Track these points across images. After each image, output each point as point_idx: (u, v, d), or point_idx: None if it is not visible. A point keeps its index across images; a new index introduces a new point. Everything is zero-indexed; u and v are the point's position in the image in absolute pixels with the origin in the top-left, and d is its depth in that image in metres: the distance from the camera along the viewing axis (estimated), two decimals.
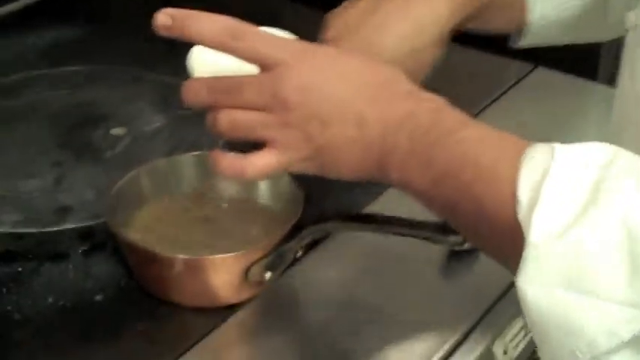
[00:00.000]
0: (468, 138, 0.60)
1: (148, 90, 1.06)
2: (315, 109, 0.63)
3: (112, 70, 1.10)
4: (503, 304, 0.75)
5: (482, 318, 0.75)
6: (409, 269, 0.79)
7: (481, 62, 1.11)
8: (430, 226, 0.73)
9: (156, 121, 0.99)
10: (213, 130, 0.66)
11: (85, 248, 0.80)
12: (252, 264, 0.72)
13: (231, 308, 0.74)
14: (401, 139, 0.62)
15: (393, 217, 0.74)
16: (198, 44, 0.66)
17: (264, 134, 0.64)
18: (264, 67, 0.64)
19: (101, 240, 0.81)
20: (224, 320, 0.73)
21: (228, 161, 0.66)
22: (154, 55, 1.15)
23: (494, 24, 0.85)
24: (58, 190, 0.87)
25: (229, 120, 0.65)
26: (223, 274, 0.72)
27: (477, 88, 1.06)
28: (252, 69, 0.65)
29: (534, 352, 0.77)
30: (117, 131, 0.98)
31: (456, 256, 0.79)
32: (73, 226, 0.82)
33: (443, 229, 0.73)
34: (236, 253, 0.72)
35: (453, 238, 0.74)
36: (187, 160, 0.84)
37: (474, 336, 0.74)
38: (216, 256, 0.72)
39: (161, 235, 0.78)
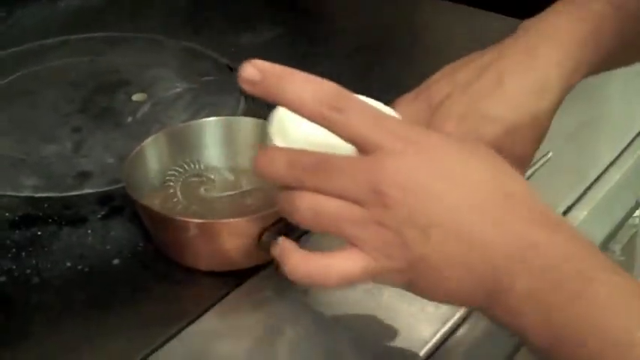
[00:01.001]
0: (599, 293, 0.50)
1: (169, 56, 1.07)
2: (418, 213, 0.52)
3: (133, 36, 1.10)
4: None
5: None
6: None
7: None
8: None
9: (177, 87, 1.00)
10: (288, 215, 0.56)
11: (104, 213, 0.81)
12: (266, 229, 0.72)
13: (247, 272, 0.74)
14: (520, 276, 0.51)
15: None
16: (289, 110, 0.55)
17: (351, 232, 0.53)
18: (363, 149, 0.53)
19: (120, 205, 0.81)
20: (240, 284, 0.73)
21: (300, 262, 0.55)
22: (174, 21, 1.16)
23: (623, 65, 0.75)
24: (77, 155, 0.88)
25: (312, 207, 0.54)
26: (237, 239, 0.72)
27: None
28: (346, 146, 0.55)
29: None
30: (138, 97, 0.98)
31: None
32: (92, 190, 0.83)
33: None
34: (249, 217, 0.72)
35: None
36: (208, 124, 0.82)
37: None
38: (230, 220, 0.72)
39: (178, 198, 0.78)
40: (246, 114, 0.92)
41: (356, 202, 0.53)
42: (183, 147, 0.82)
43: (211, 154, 0.82)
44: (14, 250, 0.77)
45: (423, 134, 0.55)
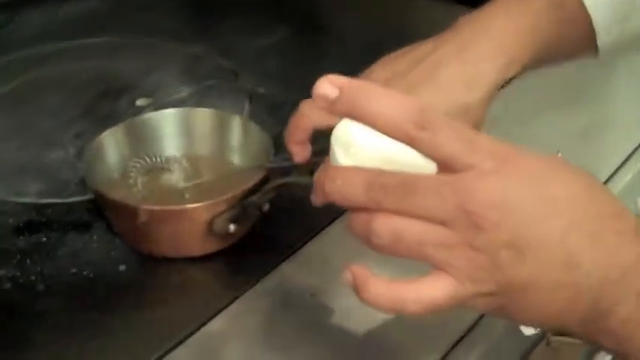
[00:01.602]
0: None
1: (173, 60, 1.06)
2: (513, 235, 0.49)
3: (136, 41, 1.09)
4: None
5: None
6: None
7: None
8: None
9: (181, 91, 0.99)
10: (364, 239, 0.52)
11: None
12: (216, 216, 0.72)
13: (254, 277, 0.73)
14: (621, 299, 0.49)
15: None
16: (369, 126, 0.51)
17: (438, 256, 0.50)
18: (451, 168, 0.50)
19: None
20: (247, 289, 0.72)
21: (380, 289, 0.51)
22: (178, 26, 1.15)
23: (561, 60, 0.76)
24: (81, 161, 0.87)
25: (393, 231, 0.50)
26: (188, 225, 0.73)
27: None
28: (419, 163, 0.52)
29: None
30: (141, 102, 0.97)
31: None
32: None
33: None
34: (198, 204, 0.72)
35: None
36: (166, 115, 0.83)
37: None
38: (180, 206, 0.74)
39: (138, 189, 0.79)
40: (250, 118, 0.91)
41: (442, 223, 0.50)
42: (143, 139, 0.82)
43: (170, 145, 0.83)
44: (19, 256, 0.76)
45: (513, 152, 0.52)
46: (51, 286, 0.73)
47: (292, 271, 0.75)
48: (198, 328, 0.69)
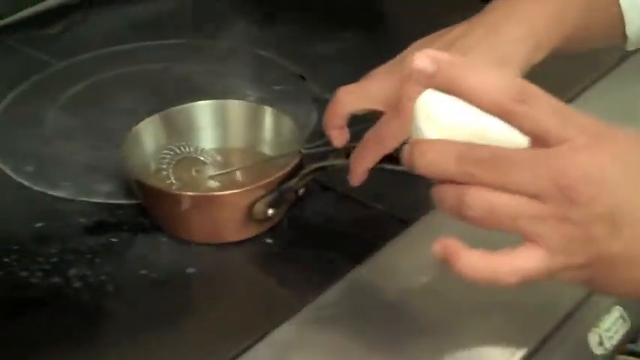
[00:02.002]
0: None
1: (242, 64, 1.06)
2: (609, 208, 0.50)
3: (206, 43, 1.10)
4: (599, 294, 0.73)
5: (577, 307, 0.72)
6: None
7: None
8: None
9: (248, 96, 0.99)
10: (456, 212, 0.53)
11: None
12: (256, 201, 0.74)
13: (322, 285, 0.73)
14: None
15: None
16: (467, 101, 0.52)
17: (531, 228, 0.51)
18: (545, 142, 0.51)
19: None
20: (315, 298, 0.72)
21: (473, 260, 0.52)
22: (248, 29, 1.15)
23: (589, 46, 0.77)
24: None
25: (486, 204, 0.51)
26: (228, 211, 0.75)
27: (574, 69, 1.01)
28: (509, 137, 0.53)
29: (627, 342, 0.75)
30: None
31: None
32: None
33: None
34: (239, 190, 0.75)
35: None
36: (201, 107, 0.85)
37: (568, 324, 0.72)
38: (221, 192, 0.76)
39: (171, 180, 0.81)
40: (318, 124, 0.91)
41: (536, 196, 0.51)
42: (177, 129, 0.85)
43: (203, 137, 0.85)
44: (89, 256, 0.77)
45: (606, 128, 0.53)
46: (120, 286, 0.74)
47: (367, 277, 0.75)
48: (265, 335, 0.69)
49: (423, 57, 0.52)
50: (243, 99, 0.97)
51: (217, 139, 0.85)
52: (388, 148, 0.69)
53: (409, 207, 0.81)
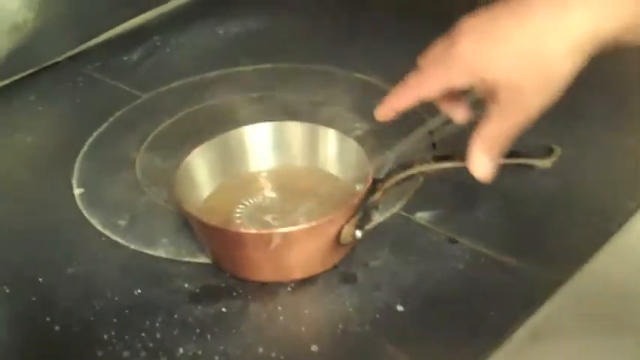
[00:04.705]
0: None
1: (343, 90, 0.97)
2: None
3: (302, 67, 1.01)
4: None
5: None
6: None
7: None
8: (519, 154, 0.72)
9: (356, 128, 0.89)
10: None
11: (294, 283, 0.71)
12: (344, 225, 0.71)
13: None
14: None
15: None
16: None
17: None
18: None
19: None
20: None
21: None
22: (346, 51, 1.06)
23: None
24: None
25: None
26: (319, 241, 0.71)
27: None
28: None
29: None
30: None
31: None
32: None
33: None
34: (327, 217, 0.71)
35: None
36: (258, 130, 0.82)
37: None
38: (310, 223, 0.70)
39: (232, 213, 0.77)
40: (435, 159, 0.80)
41: None
42: (234, 154, 0.81)
43: (262, 159, 0.82)
44: (198, 330, 0.68)
45: None
46: None
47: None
48: None
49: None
50: (350, 132, 0.87)
51: (276, 160, 0.82)
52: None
53: None
